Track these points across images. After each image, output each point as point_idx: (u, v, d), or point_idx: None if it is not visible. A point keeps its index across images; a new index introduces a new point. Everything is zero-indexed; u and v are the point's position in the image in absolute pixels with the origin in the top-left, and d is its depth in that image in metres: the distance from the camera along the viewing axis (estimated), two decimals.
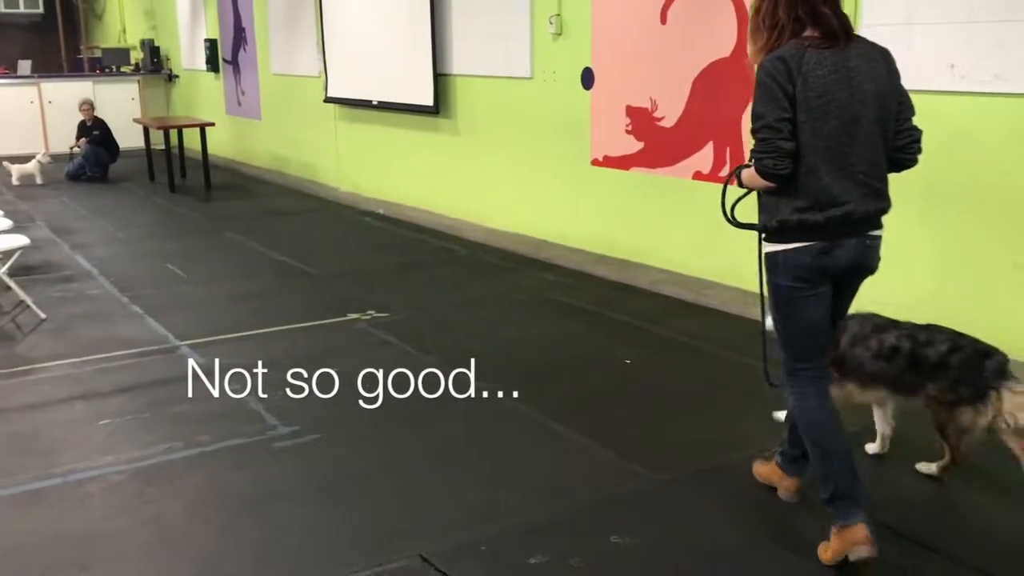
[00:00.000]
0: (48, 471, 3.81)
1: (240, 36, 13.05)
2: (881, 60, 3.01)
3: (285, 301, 6.40)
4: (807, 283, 3.03)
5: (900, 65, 3.06)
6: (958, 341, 3.50)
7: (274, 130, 12.59)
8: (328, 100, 10.76)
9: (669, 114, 6.51)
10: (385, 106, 9.74)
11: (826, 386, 3.21)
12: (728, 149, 6.13)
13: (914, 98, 3.08)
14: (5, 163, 12.14)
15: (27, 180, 11.89)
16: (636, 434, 4.12)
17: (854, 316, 3.58)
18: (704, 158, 6.31)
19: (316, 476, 3.78)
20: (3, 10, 19.50)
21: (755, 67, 3.02)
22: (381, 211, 9.73)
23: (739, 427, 4.18)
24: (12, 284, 6.05)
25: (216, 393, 4.64)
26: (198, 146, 11.73)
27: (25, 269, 6.98)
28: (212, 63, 14.03)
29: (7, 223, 6.99)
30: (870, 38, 3.09)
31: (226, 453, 3.98)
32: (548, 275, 6.96)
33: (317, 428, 4.21)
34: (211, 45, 13.94)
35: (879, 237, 3.08)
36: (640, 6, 6.56)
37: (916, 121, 3.09)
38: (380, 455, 3.98)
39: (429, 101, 8.93)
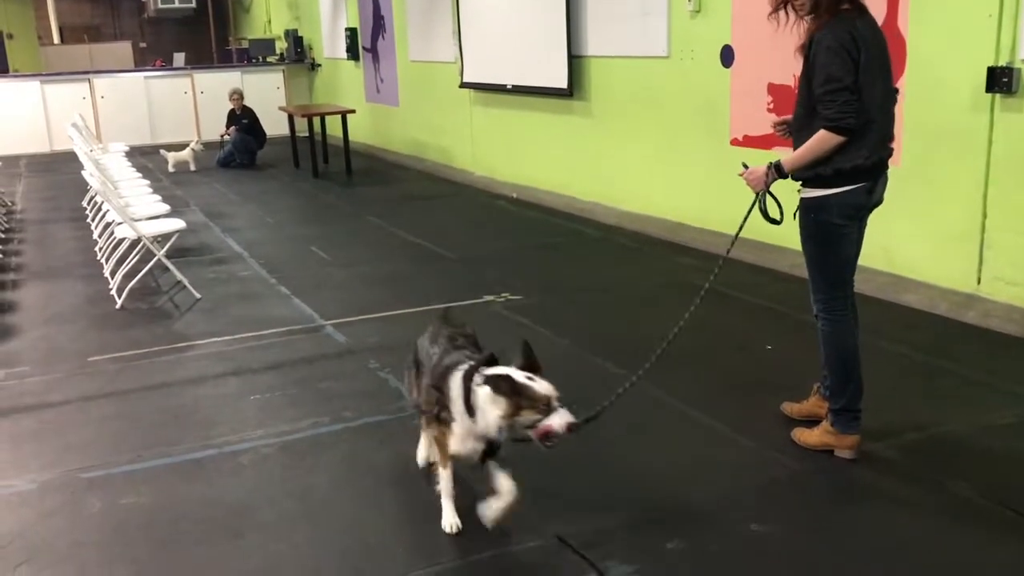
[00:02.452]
0: (205, 442, 4.02)
1: (379, 25, 13.35)
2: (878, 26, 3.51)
3: (423, 283, 6.54)
4: (851, 219, 3.52)
5: None
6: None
7: (412, 116, 12.84)
8: (463, 85, 10.88)
9: None
10: (519, 90, 9.78)
11: (854, 312, 3.68)
12: None
13: None
14: (162, 151, 12.83)
15: (181, 167, 12.54)
16: (777, 422, 4.02)
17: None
18: None
19: None
20: (160, 5, 20.57)
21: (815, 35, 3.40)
22: (515, 195, 9.80)
23: (884, 416, 4.01)
24: (170, 265, 6.40)
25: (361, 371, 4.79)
26: (340, 133, 12.09)
27: (181, 251, 7.37)
28: (352, 51, 14.41)
29: (164, 208, 7.39)
30: None
31: (369, 429, 4.11)
32: (684, 258, 6.86)
33: None
34: (351, 34, 14.32)
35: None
36: None
37: None
38: None
39: (563, 84, 8.92)
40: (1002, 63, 5.04)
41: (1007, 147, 5.12)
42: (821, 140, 3.38)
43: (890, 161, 3.58)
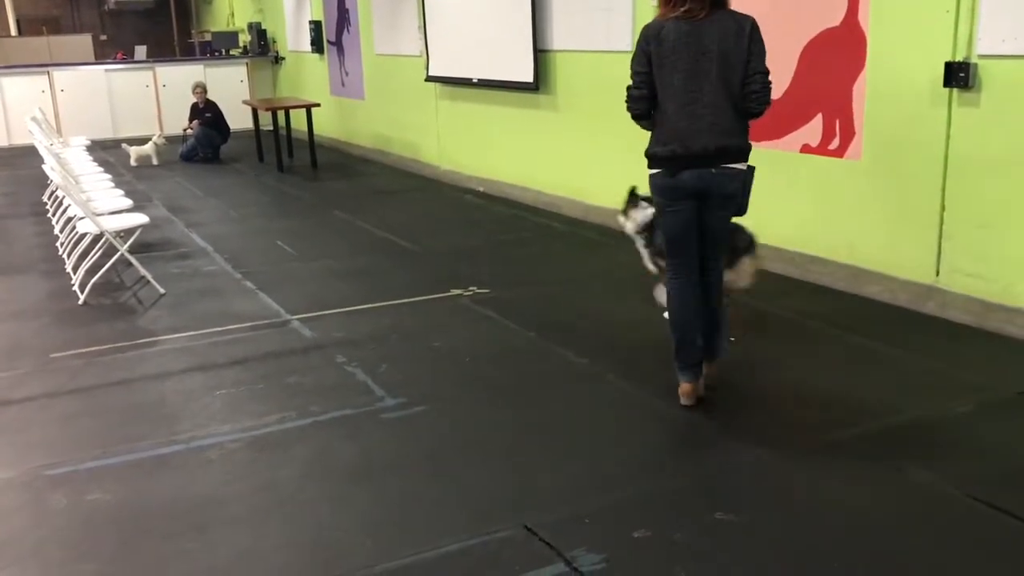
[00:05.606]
0: (171, 438, 4.00)
1: (344, 18, 13.28)
2: (734, 26, 3.75)
3: (390, 277, 6.53)
4: (668, 200, 3.96)
5: None
6: None
7: (377, 110, 12.79)
8: (429, 79, 10.86)
9: (776, 85, 6.32)
10: (485, 84, 9.78)
11: (708, 282, 4.09)
12: (838, 121, 5.95)
13: None
14: (124, 145, 12.68)
15: (144, 161, 12.40)
16: (739, 411, 4.07)
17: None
18: (812, 130, 6.14)
19: (422, 447, 3.87)
20: None
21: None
22: (481, 188, 9.81)
23: (846, 405, 4.09)
24: (133, 260, 6.34)
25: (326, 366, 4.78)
26: (304, 127, 12.01)
27: (145, 246, 7.30)
28: (317, 45, 14.31)
29: (127, 202, 7.32)
30: None
31: (336, 423, 4.11)
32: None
33: (423, 400, 4.30)
34: (316, 27, 14.22)
35: (730, 167, 3.85)
36: None
37: None
38: (484, 427, 4.05)
39: (529, 78, 8.93)
40: (959, 58, 5.13)
41: (964, 141, 5.21)
42: None
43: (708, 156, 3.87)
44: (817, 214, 6.18)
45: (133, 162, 12.34)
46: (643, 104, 3.93)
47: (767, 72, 3.84)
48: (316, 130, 12.20)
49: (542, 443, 3.87)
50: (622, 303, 5.80)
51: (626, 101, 3.99)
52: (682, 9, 3.75)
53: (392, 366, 4.75)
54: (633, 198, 5.10)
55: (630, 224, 5.12)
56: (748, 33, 3.76)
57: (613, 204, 8.21)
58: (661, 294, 4.83)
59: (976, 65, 5.06)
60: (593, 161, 8.41)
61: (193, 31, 21.26)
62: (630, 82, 3.94)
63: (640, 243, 5.18)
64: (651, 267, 5.17)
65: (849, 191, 5.93)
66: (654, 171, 3.98)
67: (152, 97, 15.55)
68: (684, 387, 4.08)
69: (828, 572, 2.91)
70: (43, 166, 7.69)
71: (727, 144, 3.82)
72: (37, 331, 5.59)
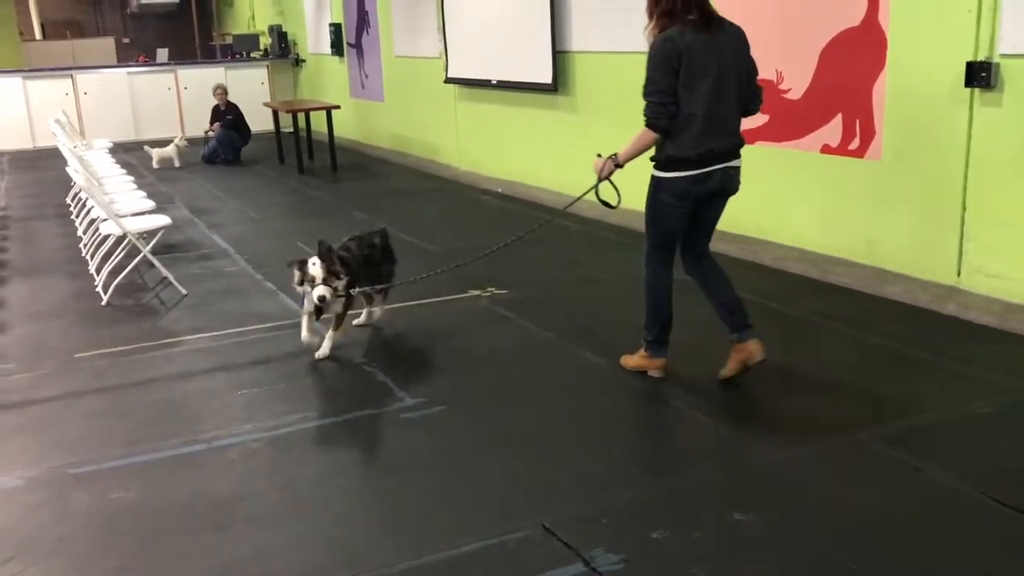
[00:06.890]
0: (193, 437, 4.04)
1: (363, 20, 13.34)
2: (740, 34, 4.05)
3: (408, 278, 6.53)
4: (681, 200, 4.14)
5: None
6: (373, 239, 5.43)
7: (396, 112, 12.83)
8: (448, 81, 10.89)
9: (796, 86, 6.34)
10: (504, 85, 9.80)
11: (713, 270, 4.39)
12: (858, 121, 5.93)
13: None
14: (146, 147, 12.79)
15: (166, 163, 12.50)
16: (759, 412, 4.07)
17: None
18: (833, 130, 6.12)
19: (441, 446, 3.88)
20: (143, 1, 20.43)
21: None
22: (499, 189, 9.81)
23: (866, 405, 4.07)
24: (156, 262, 6.40)
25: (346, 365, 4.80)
26: (324, 128, 12.07)
27: (167, 247, 7.36)
28: (337, 47, 14.39)
29: (150, 204, 7.38)
30: None
31: (356, 423, 4.13)
32: None
33: (442, 400, 4.31)
34: (336, 29, 14.30)
35: (739, 165, 4.14)
36: None
37: None
38: (503, 427, 4.06)
39: (548, 79, 8.94)
40: (981, 58, 5.10)
41: (986, 141, 5.18)
42: (640, 134, 4.07)
43: (736, 153, 4.13)
44: (837, 214, 6.15)
45: (155, 164, 12.44)
46: (670, 117, 3.97)
47: None
48: (336, 132, 12.26)
49: (560, 443, 3.88)
50: (639, 303, 5.78)
51: (650, 114, 3.99)
52: (689, 18, 3.92)
53: (411, 366, 4.77)
54: (300, 264, 4.72)
55: (320, 287, 4.66)
56: (747, 42, 4.11)
57: (631, 205, 8.22)
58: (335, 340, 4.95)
59: (998, 65, 5.03)
60: None
61: (214, 34, 21.41)
62: (652, 96, 3.96)
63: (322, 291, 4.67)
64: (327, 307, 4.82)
65: (870, 191, 5.90)
66: (677, 174, 4.08)
67: (174, 99, 15.68)
68: (660, 362, 4.44)
69: (847, 572, 2.90)
70: (67, 168, 7.78)
71: (739, 142, 4.17)
72: (61, 331, 5.65)
